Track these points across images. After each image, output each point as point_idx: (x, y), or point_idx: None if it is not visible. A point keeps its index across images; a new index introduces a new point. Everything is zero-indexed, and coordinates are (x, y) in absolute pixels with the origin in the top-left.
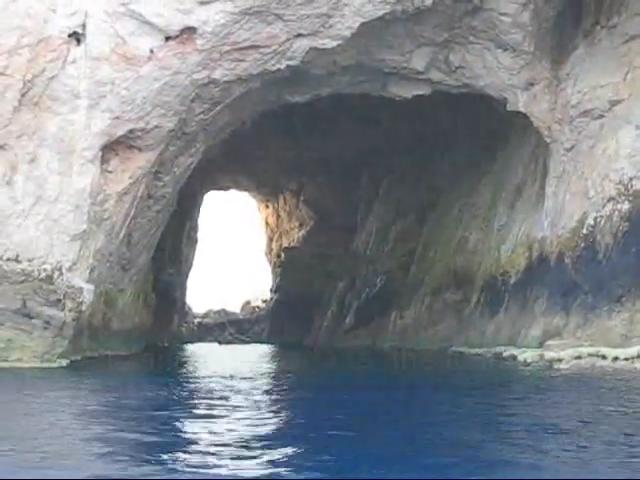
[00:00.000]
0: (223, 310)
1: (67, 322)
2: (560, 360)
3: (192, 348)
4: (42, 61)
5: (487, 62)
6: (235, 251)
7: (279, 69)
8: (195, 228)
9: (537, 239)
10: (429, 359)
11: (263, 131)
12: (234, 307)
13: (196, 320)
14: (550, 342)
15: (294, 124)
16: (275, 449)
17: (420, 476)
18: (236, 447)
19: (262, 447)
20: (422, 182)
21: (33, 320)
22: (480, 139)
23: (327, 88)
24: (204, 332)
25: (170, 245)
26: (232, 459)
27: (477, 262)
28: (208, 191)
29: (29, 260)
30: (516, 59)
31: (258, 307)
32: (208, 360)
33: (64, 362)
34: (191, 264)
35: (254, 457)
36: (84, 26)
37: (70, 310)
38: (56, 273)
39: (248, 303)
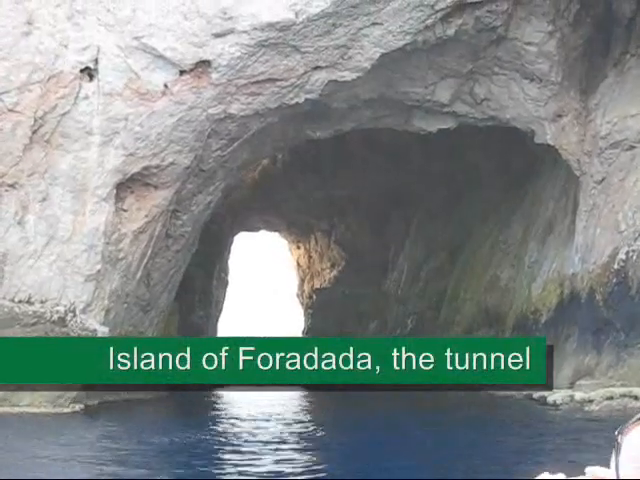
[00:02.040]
0: None
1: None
2: (591, 401)
3: (222, 391)
4: (53, 97)
5: (513, 93)
6: (267, 293)
7: (297, 103)
8: (225, 270)
9: (568, 275)
10: (459, 400)
11: (293, 171)
12: None
13: None
14: (581, 382)
15: (323, 163)
16: None
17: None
18: None
19: None
20: (453, 219)
21: None
22: (511, 174)
23: (349, 123)
24: None
25: (200, 287)
26: None
27: (509, 300)
28: (238, 232)
29: (42, 302)
30: (543, 90)
31: None
32: (237, 403)
33: (77, 407)
34: (222, 306)
35: None
36: (96, 61)
37: None
38: (69, 315)
39: None
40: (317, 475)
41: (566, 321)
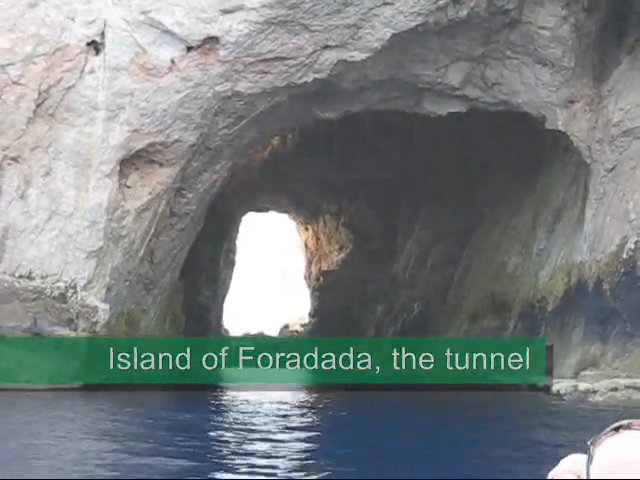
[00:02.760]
0: (261, 334)
1: (80, 342)
2: (595, 392)
3: (226, 372)
4: (58, 71)
5: (525, 78)
6: (274, 274)
7: (306, 82)
8: (233, 250)
9: (576, 264)
10: (463, 388)
11: (303, 152)
12: (272, 331)
13: None
14: (585, 372)
15: (334, 145)
16: None
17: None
18: None
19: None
20: (463, 205)
21: (44, 340)
22: (522, 160)
23: (359, 104)
24: None
25: (207, 267)
26: None
27: (516, 288)
28: (246, 212)
29: (42, 277)
30: (555, 75)
31: (296, 331)
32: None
33: (76, 384)
34: (228, 286)
35: None
36: (103, 35)
37: (83, 330)
38: (70, 291)
39: (286, 327)
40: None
41: (573, 310)
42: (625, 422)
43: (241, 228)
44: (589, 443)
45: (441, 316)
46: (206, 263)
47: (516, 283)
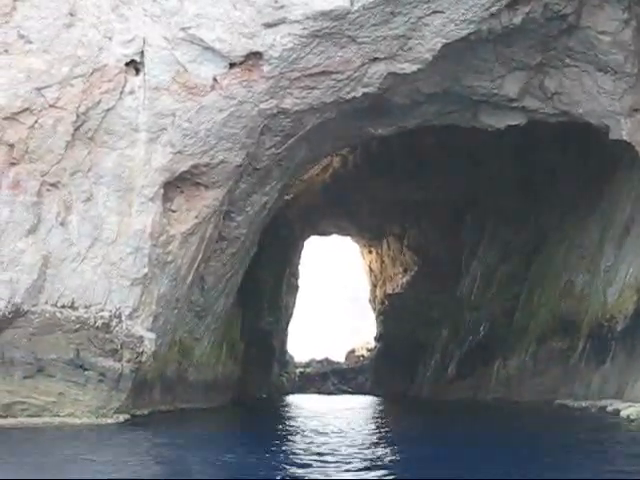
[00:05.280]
0: (326, 359)
1: (124, 374)
2: None
3: (291, 399)
4: (97, 92)
5: (586, 87)
6: (340, 298)
7: (355, 97)
8: (296, 275)
9: None
10: (529, 415)
11: (364, 173)
12: (338, 356)
13: (297, 370)
14: None
15: (396, 166)
16: None
17: None
18: None
19: None
20: (528, 223)
21: (87, 372)
22: (587, 174)
23: (412, 119)
24: (306, 382)
25: (268, 292)
26: None
27: (584, 307)
28: (309, 236)
29: (85, 307)
30: (618, 82)
31: (363, 356)
32: (303, 413)
33: (122, 417)
34: (292, 312)
35: None
36: (142, 54)
37: (128, 361)
38: (114, 321)
39: (352, 352)
40: None
41: None
42: None
43: (304, 253)
44: None
45: (508, 337)
46: (268, 289)
47: (584, 302)
